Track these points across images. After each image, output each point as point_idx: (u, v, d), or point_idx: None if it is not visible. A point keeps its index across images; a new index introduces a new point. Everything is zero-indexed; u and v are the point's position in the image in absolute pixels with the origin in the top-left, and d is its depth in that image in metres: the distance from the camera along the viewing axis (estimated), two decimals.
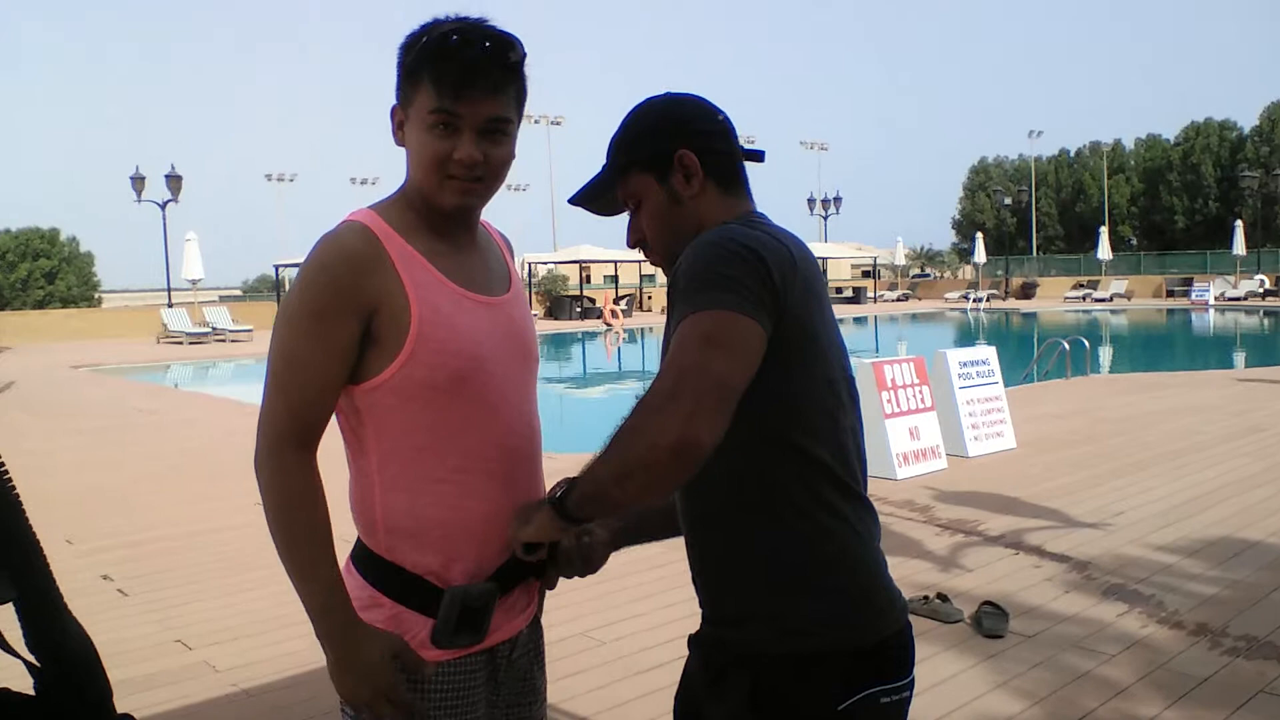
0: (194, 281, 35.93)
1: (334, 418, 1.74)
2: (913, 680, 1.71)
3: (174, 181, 37.47)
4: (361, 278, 1.65)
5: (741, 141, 1.85)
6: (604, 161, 1.82)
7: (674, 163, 1.73)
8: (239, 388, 18.81)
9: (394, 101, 1.76)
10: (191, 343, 30.87)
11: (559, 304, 41.09)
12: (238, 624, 5.07)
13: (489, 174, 1.73)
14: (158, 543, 6.84)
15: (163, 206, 37.75)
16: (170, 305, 34.95)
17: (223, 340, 31.65)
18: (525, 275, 45.49)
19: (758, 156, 1.84)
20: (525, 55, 1.73)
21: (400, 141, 1.76)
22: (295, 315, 1.67)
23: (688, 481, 1.71)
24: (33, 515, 1.14)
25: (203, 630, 5.02)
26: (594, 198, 1.84)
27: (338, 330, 1.65)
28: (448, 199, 1.72)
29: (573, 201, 1.85)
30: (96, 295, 68.70)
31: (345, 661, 1.65)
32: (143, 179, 37.34)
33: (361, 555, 1.77)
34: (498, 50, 1.68)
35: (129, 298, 76.74)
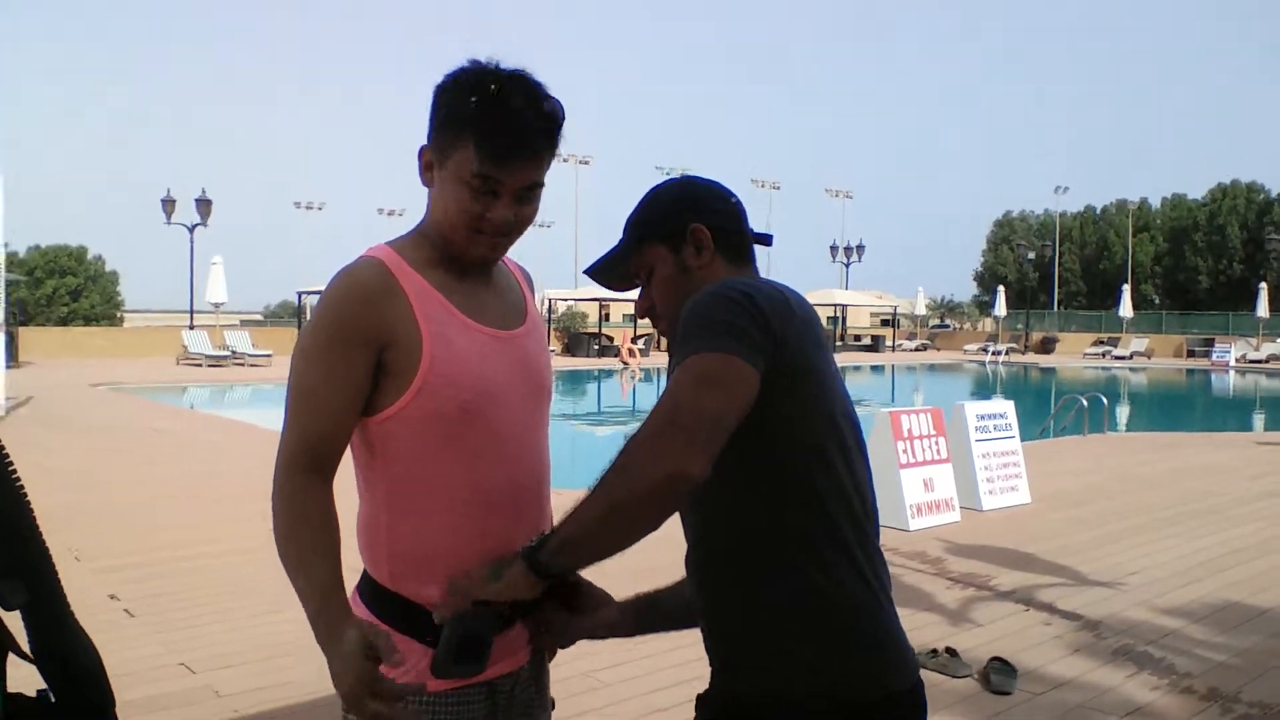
0: (217, 305, 36.17)
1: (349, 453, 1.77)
2: None
3: (203, 205, 37.85)
4: (374, 311, 1.69)
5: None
6: (620, 237, 1.89)
7: (686, 235, 1.81)
8: (255, 411, 18.89)
9: (425, 142, 1.77)
10: (210, 365, 31.03)
11: (577, 340, 41.15)
12: (243, 649, 5.07)
13: (517, 230, 1.79)
14: (166, 564, 6.85)
15: (191, 229, 38.11)
16: (192, 327, 35.19)
17: (241, 364, 31.80)
18: (545, 311, 45.52)
19: (766, 240, 1.95)
20: (564, 118, 1.76)
21: (428, 183, 1.78)
22: (310, 347, 1.71)
23: (695, 529, 1.72)
24: (44, 531, 1.15)
25: (207, 654, 5.02)
26: (609, 269, 1.90)
27: (350, 362, 1.68)
28: (476, 252, 1.77)
29: (588, 273, 1.91)
30: (119, 314, 69.19)
31: (331, 655, 1.61)
32: (173, 202, 37.76)
33: (366, 587, 1.79)
34: (546, 121, 1.72)
35: (151, 318, 77.24)
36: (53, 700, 1.16)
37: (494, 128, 1.66)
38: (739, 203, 1.90)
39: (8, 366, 17.83)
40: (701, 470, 1.45)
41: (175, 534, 7.81)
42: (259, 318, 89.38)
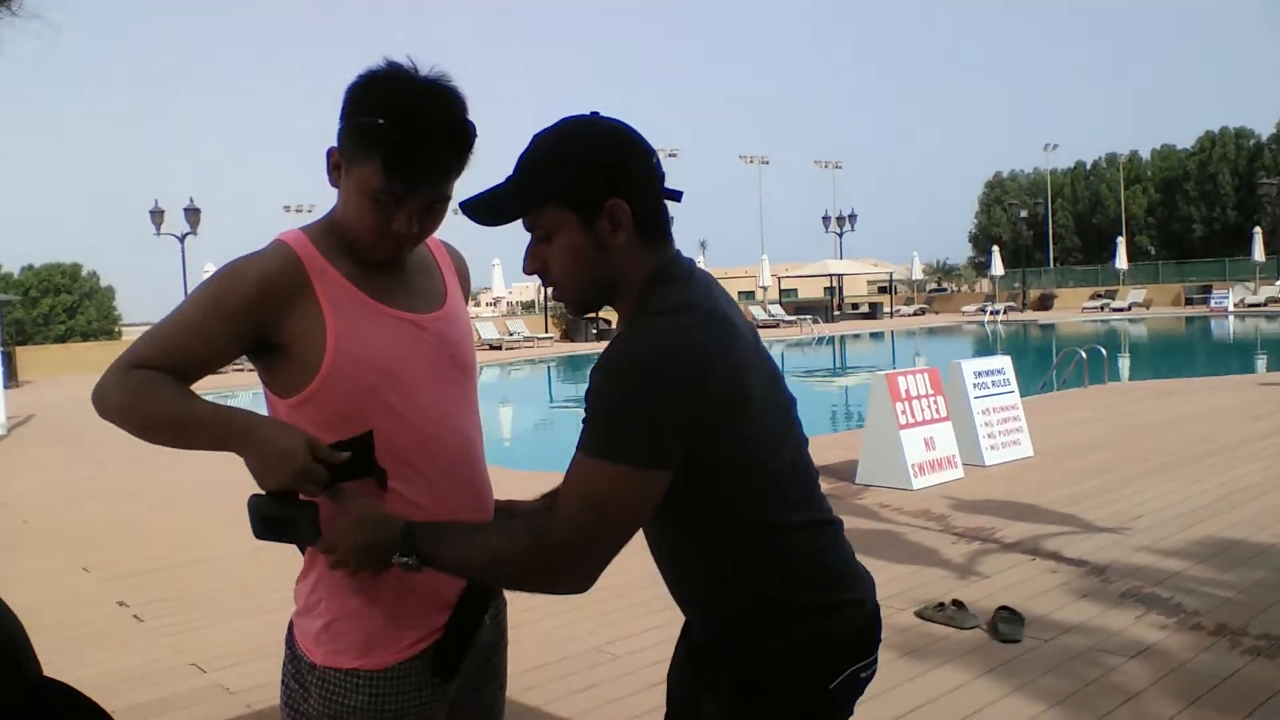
0: None
1: None
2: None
3: (192, 215, 37.70)
4: (269, 302, 1.71)
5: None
6: (513, 176, 1.64)
7: (603, 210, 1.60)
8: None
9: (335, 144, 1.76)
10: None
11: (574, 326, 41.06)
12: (250, 647, 5.07)
13: (421, 237, 1.80)
14: (172, 569, 6.86)
15: (181, 239, 37.99)
16: None
17: (240, 369, 31.72)
18: (541, 299, 45.36)
19: (675, 196, 1.71)
20: (476, 136, 1.74)
21: (335, 183, 1.78)
22: (198, 295, 1.75)
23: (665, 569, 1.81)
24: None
25: (216, 653, 5.03)
26: (490, 211, 1.65)
27: (227, 327, 1.71)
28: (378, 256, 1.79)
29: (463, 207, 1.68)
30: (117, 329, 69.13)
31: (265, 453, 1.68)
32: (162, 213, 37.58)
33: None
34: (454, 142, 1.71)
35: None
36: None
37: (400, 149, 1.65)
38: (658, 161, 1.68)
39: (6, 386, 17.81)
40: (584, 588, 1.60)
41: (180, 539, 7.82)
42: None
